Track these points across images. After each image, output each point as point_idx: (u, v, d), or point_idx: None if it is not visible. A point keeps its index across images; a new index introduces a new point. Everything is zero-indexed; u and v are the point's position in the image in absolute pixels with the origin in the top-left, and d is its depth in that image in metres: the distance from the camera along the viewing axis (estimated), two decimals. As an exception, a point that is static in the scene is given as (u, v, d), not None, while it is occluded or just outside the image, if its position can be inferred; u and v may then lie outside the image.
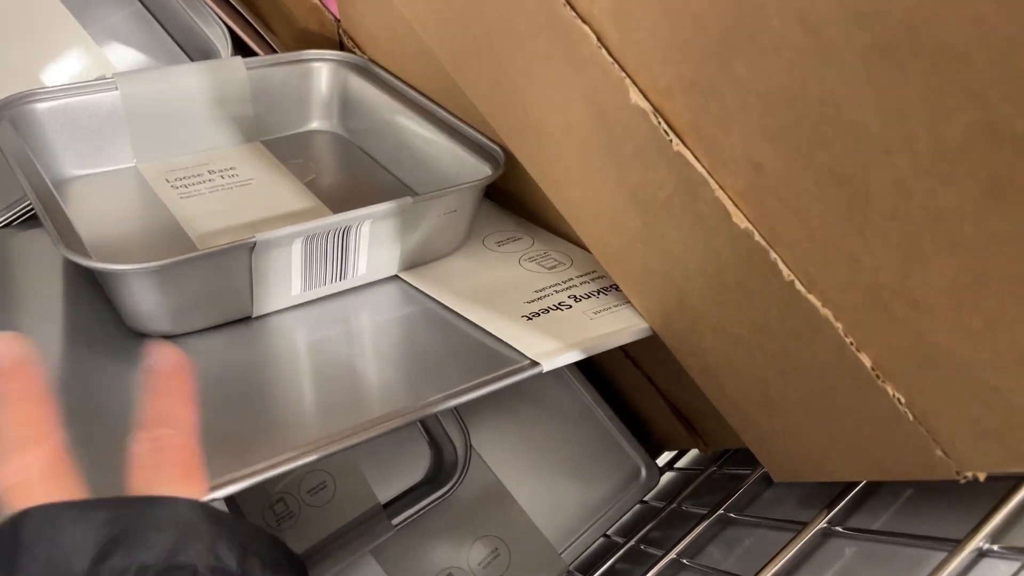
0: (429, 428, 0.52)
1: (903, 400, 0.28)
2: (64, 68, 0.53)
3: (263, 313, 0.42)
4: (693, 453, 0.57)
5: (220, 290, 0.39)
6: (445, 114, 0.50)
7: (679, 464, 0.57)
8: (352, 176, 0.54)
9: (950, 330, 0.24)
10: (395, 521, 0.47)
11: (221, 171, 0.51)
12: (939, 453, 0.28)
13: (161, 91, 0.49)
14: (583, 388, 0.55)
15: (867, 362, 0.28)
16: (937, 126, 0.20)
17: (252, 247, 0.37)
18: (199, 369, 0.38)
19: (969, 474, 0.28)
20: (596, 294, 0.42)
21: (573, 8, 0.29)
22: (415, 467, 0.51)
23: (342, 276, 0.43)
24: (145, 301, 0.38)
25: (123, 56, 0.55)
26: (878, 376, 0.28)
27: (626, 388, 0.55)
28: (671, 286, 0.36)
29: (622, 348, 0.52)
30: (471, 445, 0.51)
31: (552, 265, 0.46)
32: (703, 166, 0.29)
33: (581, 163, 0.35)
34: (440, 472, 0.51)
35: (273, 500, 0.49)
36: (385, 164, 0.55)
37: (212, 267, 0.37)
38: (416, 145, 0.51)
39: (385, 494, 0.49)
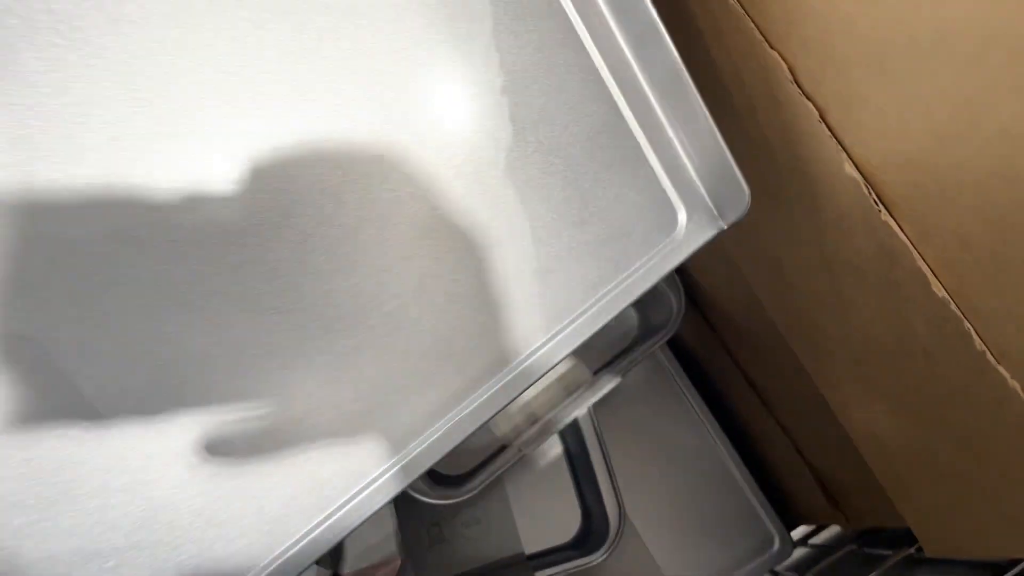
0: (584, 494, 0.53)
1: (1086, 477, 0.29)
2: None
3: None
4: (830, 532, 0.57)
5: None
6: None
7: (815, 540, 0.57)
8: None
9: None
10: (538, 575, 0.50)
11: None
12: (1118, 534, 0.29)
13: None
14: (726, 451, 0.57)
15: (1053, 436, 0.29)
16: None
17: None
18: None
19: None
20: None
21: (799, 86, 0.33)
22: (565, 528, 0.53)
23: None
24: None
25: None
26: (1062, 451, 0.29)
27: (771, 456, 0.56)
28: (847, 351, 0.38)
29: (772, 414, 0.54)
30: (625, 516, 0.52)
31: None
32: (906, 236, 0.31)
33: (783, 223, 0.38)
34: (589, 539, 0.52)
35: (430, 524, 0.53)
36: None
37: None
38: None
39: (531, 547, 0.52)
